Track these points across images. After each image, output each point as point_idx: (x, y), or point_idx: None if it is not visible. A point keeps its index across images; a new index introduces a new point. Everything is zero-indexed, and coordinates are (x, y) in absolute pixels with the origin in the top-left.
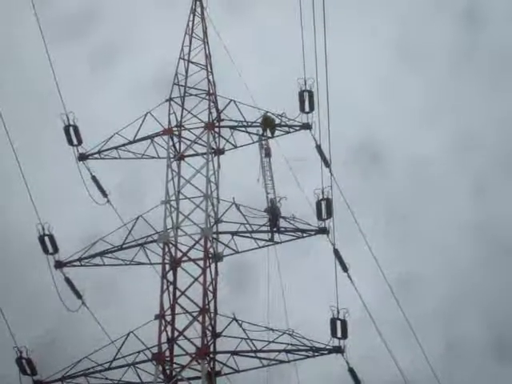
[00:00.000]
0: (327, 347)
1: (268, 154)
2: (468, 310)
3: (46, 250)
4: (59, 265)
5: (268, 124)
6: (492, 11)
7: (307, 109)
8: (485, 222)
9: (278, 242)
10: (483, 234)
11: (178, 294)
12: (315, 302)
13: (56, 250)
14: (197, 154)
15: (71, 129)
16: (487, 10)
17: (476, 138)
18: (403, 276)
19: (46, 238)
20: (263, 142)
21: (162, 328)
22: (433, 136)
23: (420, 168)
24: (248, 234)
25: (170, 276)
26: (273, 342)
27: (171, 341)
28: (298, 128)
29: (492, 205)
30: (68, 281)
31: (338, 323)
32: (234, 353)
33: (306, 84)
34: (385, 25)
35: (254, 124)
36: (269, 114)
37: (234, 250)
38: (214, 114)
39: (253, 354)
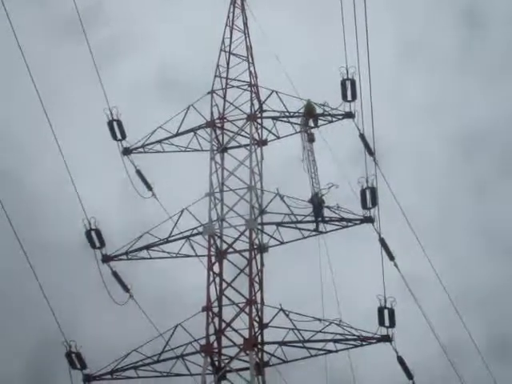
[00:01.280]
0: (375, 336)
1: (311, 140)
2: (468, 310)
3: (92, 245)
4: (106, 259)
5: (310, 110)
6: (493, 10)
7: (349, 97)
8: (487, 220)
9: (323, 232)
10: (485, 233)
11: (224, 285)
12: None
13: (103, 244)
14: (240, 146)
15: (115, 123)
16: (488, 9)
17: (477, 136)
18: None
19: (93, 233)
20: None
21: (210, 320)
22: (434, 134)
23: (422, 165)
24: (293, 225)
25: (215, 268)
26: (320, 331)
27: (219, 332)
28: (340, 117)
29: (494, 203)
30: (115, 274)
31: (386, 312)
32: (282, 343)
33: (347, 73)
34: (387, 23)
35: (297, 114)
36: (311, 103)
37: (279, 240)
38: (256, 105)
39: (300, 345)
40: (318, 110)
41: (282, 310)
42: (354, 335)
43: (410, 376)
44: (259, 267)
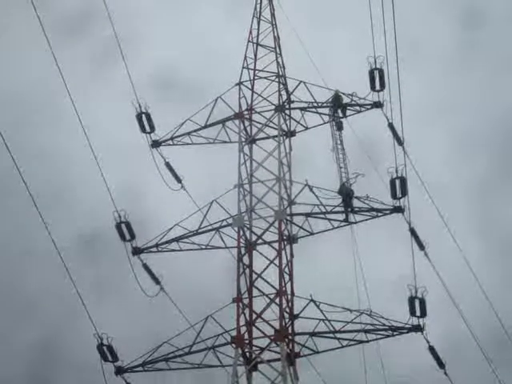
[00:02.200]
0: (406, 326)
1: (340, 128)
2: (468, 309)
3: (123, 237)
4: (136, 251)
5: (337, 100)
6: (492, 10)
7: (378, 87)
8: (486, 222)
9: (352, 222)
10: (483, 234)
11: (254, 276)
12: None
13: (133, 236)
14: (268, 137)
15: (143, 116)
16: (487, 9)
17: (474, 137)
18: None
19: (123, 226)
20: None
21: (240, 311)
22: (431, 135)
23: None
24: (322, 215)
25: (245, 259)
26: (351, 322)
27: (250, 323)
28: (369, 107)
29: (493, 204)
30: (146, 267)
31: (417, 302)
32: (313, 334)
33: (375, 62)
34: (387, 22)
35: (325, 104)
36: (339, 93)
37: (308, 231)
38: (284, 96)
39: (331, 335)
40: (346, 100)
41: (312, 300)
42: (385, 325)
43: (441, 365)
44: (289, 258)
